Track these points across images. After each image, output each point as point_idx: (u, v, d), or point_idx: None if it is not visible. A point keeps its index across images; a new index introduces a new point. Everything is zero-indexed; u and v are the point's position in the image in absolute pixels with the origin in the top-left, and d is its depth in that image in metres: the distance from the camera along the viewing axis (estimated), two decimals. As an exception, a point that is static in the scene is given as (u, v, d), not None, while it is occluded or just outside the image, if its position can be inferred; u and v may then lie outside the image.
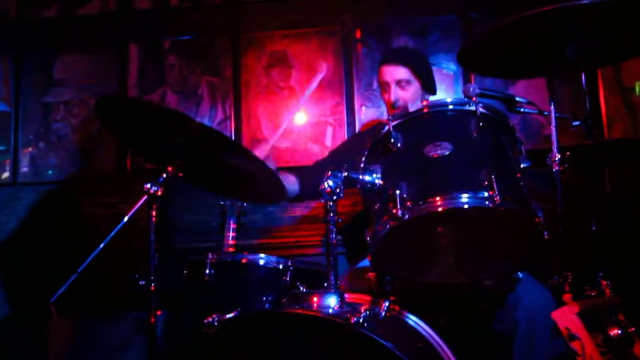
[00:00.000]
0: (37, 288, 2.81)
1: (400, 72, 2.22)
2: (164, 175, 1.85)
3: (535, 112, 1.96)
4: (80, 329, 2.51)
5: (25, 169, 3.16)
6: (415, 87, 2.24)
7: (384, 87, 2.27)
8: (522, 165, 1.53)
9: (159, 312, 1.84)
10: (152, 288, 1.82)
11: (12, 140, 3.15)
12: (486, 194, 1.37)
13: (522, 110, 1.94)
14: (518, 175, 1.50)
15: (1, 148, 3.18)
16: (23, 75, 3.19)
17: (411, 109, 1.58)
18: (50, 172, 3.15)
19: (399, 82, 2.22)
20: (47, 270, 2.79)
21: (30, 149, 3.16)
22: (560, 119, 1.78)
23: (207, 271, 1.90)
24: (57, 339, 2.49)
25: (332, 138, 2.95)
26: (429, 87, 2.30)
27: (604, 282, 1.62)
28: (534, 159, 1.56)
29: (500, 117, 1.53)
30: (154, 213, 1.85)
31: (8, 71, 3.20)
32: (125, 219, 1.93)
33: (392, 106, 2.23)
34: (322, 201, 1.52)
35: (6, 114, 3.18)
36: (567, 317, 1.39)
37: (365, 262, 2.16)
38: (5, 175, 3.15)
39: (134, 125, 1.82)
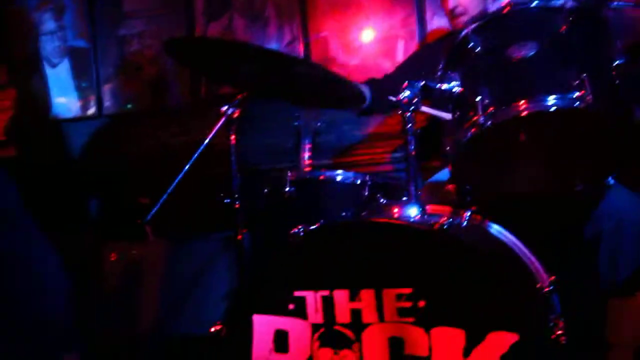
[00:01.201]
0: (129, 214, 3.03)
1: None
2: (239, 97, 1.89)
3: (631, 5, 1.79)
4: (173, 248, 2.69)
5: (107, 103, 3.31)
6: None
7: None
8: (616, 63, 1.42)
9: (244, 230, 1.94)
10: (237, 206, 1.91)
11: (94, 75, 3.29)
12: (576, 95, 1.29)
13: (615, 4, 1.78)
14: (612, 73, 1.39)
15: (84, 85, 3.34)
16: (97, 10, 3.27)
17: (491, 9, 1.48)
18: (129, 105, 3.29)
19: None
20: (136, 196, 2.98)
21: (110, 83, 3.29)
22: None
23: (287, 189, 1.95)
24: (153, 258, 2.70)
25: (404, 52, 2.85)
26: None
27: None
28: (632, 55, 1.44)
29: (591, 10, 1.41)
30: (232, 135, 1.91)
31: (83, 6, 3.29)
32: (207, 140, 2.01)
33: (451, 14, 2.12)
34: (391, 113, 1.49)
35: (85, 50, 3.31)
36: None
37: (440, 175, 2.14)
38: (92, 111, 3.32)
39: (204, 59, 1.85)
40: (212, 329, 1.51)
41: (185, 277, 2.66)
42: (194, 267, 2.69)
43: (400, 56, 2.85)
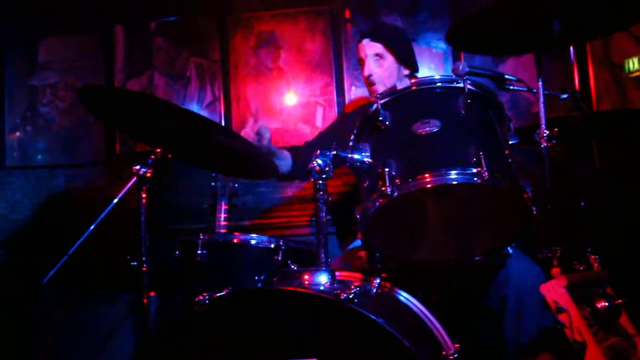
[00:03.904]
0: (29, 271, 2.81)
1: (373, 47, 2.24)
2: (153, 157, 1.84)
3: (524, 89, 1.97)
4: (73, 311, 2.51)
5: (14, 154, 3.13)
6: (388, 61, 2.25)
7: (361, 63, 2.30)
8: (510, 142, 1.54)
9: (152, 294, 1.85)
10: (144, 269, 1.83)
11: (-1, 125, 3.12)
12: (475, 170, 1.38)
13: (511, 87, 1.95)
14: (506, 152, 1.50)
15: (-12, 134, 3.15)
16: (7, 59, 3.14)
17: (399, 86, 1.57)
18: (39, 156, 3.12)
19: (373, 57, 2.24)
20: (38, 253, 2.79)
21: (17, 133, 3.13)
22: (549, 97, 1.79)
23: (199, 251, 1.90)
24: (50, 321, 2.50)
25: (323, 118, 2.94)
26: (405, 62, 2.30)
27: (592, 257, 1.65)
28: (523, 136, 1.58)
29: (488, 94, 1.53)
30: (144, 194, 1.85)
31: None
32: (115, 200, 1.93)
33: (366, 81, 2.27)
34: (312, 180, 1.53)
35: (-9, 98, 3.14)
36: (555, 290, 1.41)
37: (358, 242, 2.17)
38: (-6, 161, 3.12)
39: (120, 112, 1.81)
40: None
41: (90, 342, 2.48)
42: (99, 330, 2.52)
43: (320, 122, 2.94)
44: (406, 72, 2.30)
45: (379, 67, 2.24)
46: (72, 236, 2.29)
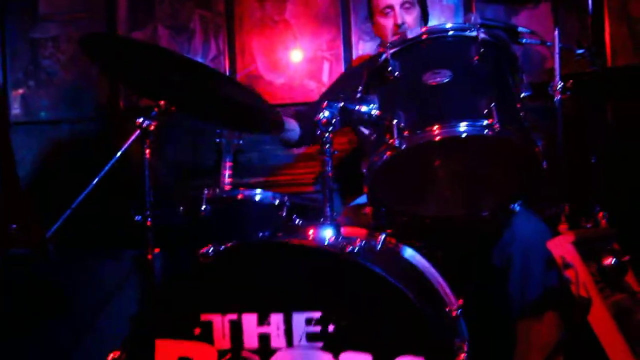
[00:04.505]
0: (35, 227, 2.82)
1: None
2: (157, 110, 1.81)
3: (538, 42, 1.90)
4: (77, 266, 2.53)
5: (16, 110, 3.10)
6: (417, 11, 2.17)
7: (386, 11, 2.17)
8: (523, 95, 1.49)
9: (156, 250, 1.85)
10: (149, 224, 1.82)
11: (1, 80, 3.08)
12: (485, 122, 1.34)
13: (524, 40, 1.89)
14: (519, 105, 1.46)
15: (-9, 88, 3.11)
16: (7, 12, 3.07)
17: (409, 35, 1.51)
18: (42, 113, 3.09)
19: (403, 5, 2.13)
20: (42, 209, 2.79)
21: (20, 88, 3.09)
22: (564, 50, 1.73)
23: (203, 207, 1.88)
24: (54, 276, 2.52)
25: (329, 73, 2.87)
26: (425, 17, 2.24)
27: (600, 214, 1.63)
28: (536, 91, 1.52)
29: (502, 44, 1.48)
30: (147, 148, 1.82)
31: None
32: (118, 154, 1.91)
33: (397, 29, 2.14)
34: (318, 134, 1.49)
35: (-7, 52, 3.09)
36: (562, 246, 1.40)
37: (361, 199, 2.15)
38: (-4, 116, 3.09)
39: (124, 63, 1.76)
40: (111, 356, 1.41)
41: (94, 297, 2.50)
42: (104, 287, 2.54)
43: (326, 78, 2.88)
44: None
45: (410, 15, 2.13)
46: (76, 191, 2.28)
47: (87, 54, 1.80)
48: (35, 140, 3.09)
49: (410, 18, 2.14)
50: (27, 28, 3.06)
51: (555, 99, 1.53)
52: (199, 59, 2.92)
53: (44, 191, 2.95)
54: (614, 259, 1.49)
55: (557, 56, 1.54)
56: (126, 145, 1.93)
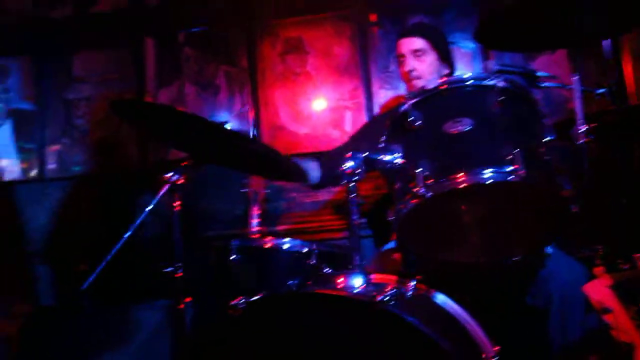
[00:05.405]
0: (70, 279, 2.88)
1: (416, 43, 2.21)
2: (184, 165, 1.87)
3: (558, 85, 1.93)
4: (111, 317, 2.56)
5: (52, 166, 3.22)
6: (431, 57, 2.21)
7: (400, 60, 2.25)
8: (546, 139, 1.50)
9: (187, 299, 1.87)
10: (179, 275, 1.85)
11: (38, 138, 3.22)
12: (510, 168, 1.35)
13: (543, 85, 1.91)
14: (542, 149, 1.47)
15: (28, 146, 3.25)
16: (44, 74, 3.24)
17: (429, 86, 1.55)
18: (76, 168, 3.21)
19: (414, 52, 2.20)
20: (78, 262, 2.85)
21: (56, 146, 3.22)
22: (583, 92, 1.74)
23: (233, 256, 1.91)
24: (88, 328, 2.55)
25: (352, 122, 2.94)
26: (446, 60, 2.28)
27: (637, 255, 1.60)
28: (559, 131, 1.54)
29: (521, 90, 1.50)
30: (176, 202, 1.88)
31: (30, 70, 3.26)
32: (148, 208, 1.96)
33: (407, 76, 2.22)
34: (343, 184, 1.52)
35: (31, 112, 3.24)
36: (599, 290, 1.37)
37: (391, 244, 2.16)
38: (34, 172, 3.22)
39: (150, 123, 1.84)
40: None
41: (127, 348, 2.52)
42: (138, 337, 2.56)
43: (348, 126, 2.94)
44: (446, 71, 2.27)
45: (421, 62, 2.20)
46: (108, 244, 2.34)
47: (117, 115, 1.90)
48: (69, 195, 3.19)
49: (422, 65, 2.20)
50: (62, 88, 3.22)
51: (579, 142, 1.53)
52: (225, 113, 3.02)
53: (77, 244, 3.03)
54: (655, 301, 1.45)
55: (578, 101, 1.56)
56: (155, 200, 1.98)
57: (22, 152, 3.24)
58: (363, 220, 1.65)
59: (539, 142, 1.48)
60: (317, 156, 2.40)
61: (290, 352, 1.32)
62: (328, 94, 2.98)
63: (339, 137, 2.91)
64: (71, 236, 3.10)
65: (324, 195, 2.93)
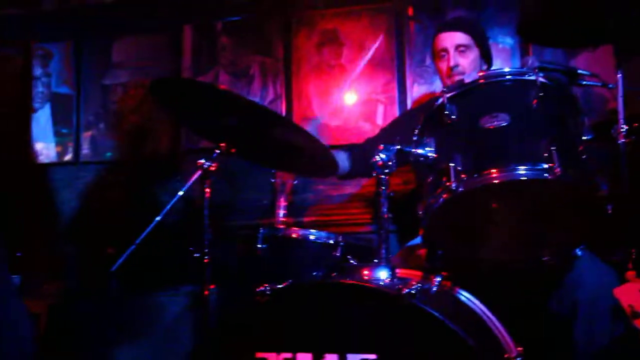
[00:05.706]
0: (98, 262, 2.95)
1: (460, 38, 2.16)
2: (217, 151, 1.89)
3: (599, 84, 1.87)
4: (136, 301, 2.61)
5: (86, 151, 3.29)
6: (474, 54, 2.17)
7: (441, 54, 2.19)
8: (584, 138, 1.46)
9: (212, 286, 1.89)
10: (206, 261, 1.87)
11: (74, 122, 3.29)
12: (545, 166, 1.32)
13: (584, 83, 1.85)
14: (580, 148, 1.43)
15: (64, 131, 3.33)
16: (84, 59, 3.31)
17: (467, 80, 1.53)
18: (109, 153, 3.27)
19: (458, 47, 2.15)
20: (106, 245, 2.91)
21: (90, 131, 3.29)
22: (626, 92, 1.68)
23: (259, 245, 1.92)
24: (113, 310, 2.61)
25: (383, 116, 2.91)
26: (487, 57, 2.24)
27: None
28: (598, 132, 1.49)
29: (561, 87, 1.47)
30: (207, 188, 1.90)
31: (70, 55, 3.33)
32: (180, 193, 1.99)
33: (450, 72, 2.17)
34: (374, 176, 1.51)
35: (69, 96, 3.32)
36: (631, 294, 1.33)
37: (416, 240, 2.14)
38: (68, 157, 3.29)
39: (188, 105, 1.86)
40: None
41: (152, 332, 2.57)
42: (163, 321, 2.60)
43: (380, 120, 2.91)
44: (485, 67, 2.23)
45: (465, 58, 2.15)
46: (136, 229, 2.38)
47: (155, 98, 1.93)
48: (101, 179, 3.26)
49: (465, 61, 2.15)
50: (101, 74, 3.28)
51: (619, 142, 1.48)
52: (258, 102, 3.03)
53: (107, 228, 3.09)
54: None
55: (620, 99, 1.51)
56: (187, 185, 2.01)
57: (58, 135, 3.32)
58: (390, 215, 1.64)
59: (576, 141, 1.44)
60: (348, 148, 2.39)
61: (314, 342, 1.32)
62: (361, 87, 2.96)
63: (370, 130, 2.89)
64: (101, 220, 3.17)
65: (351, 188, 2.91)
